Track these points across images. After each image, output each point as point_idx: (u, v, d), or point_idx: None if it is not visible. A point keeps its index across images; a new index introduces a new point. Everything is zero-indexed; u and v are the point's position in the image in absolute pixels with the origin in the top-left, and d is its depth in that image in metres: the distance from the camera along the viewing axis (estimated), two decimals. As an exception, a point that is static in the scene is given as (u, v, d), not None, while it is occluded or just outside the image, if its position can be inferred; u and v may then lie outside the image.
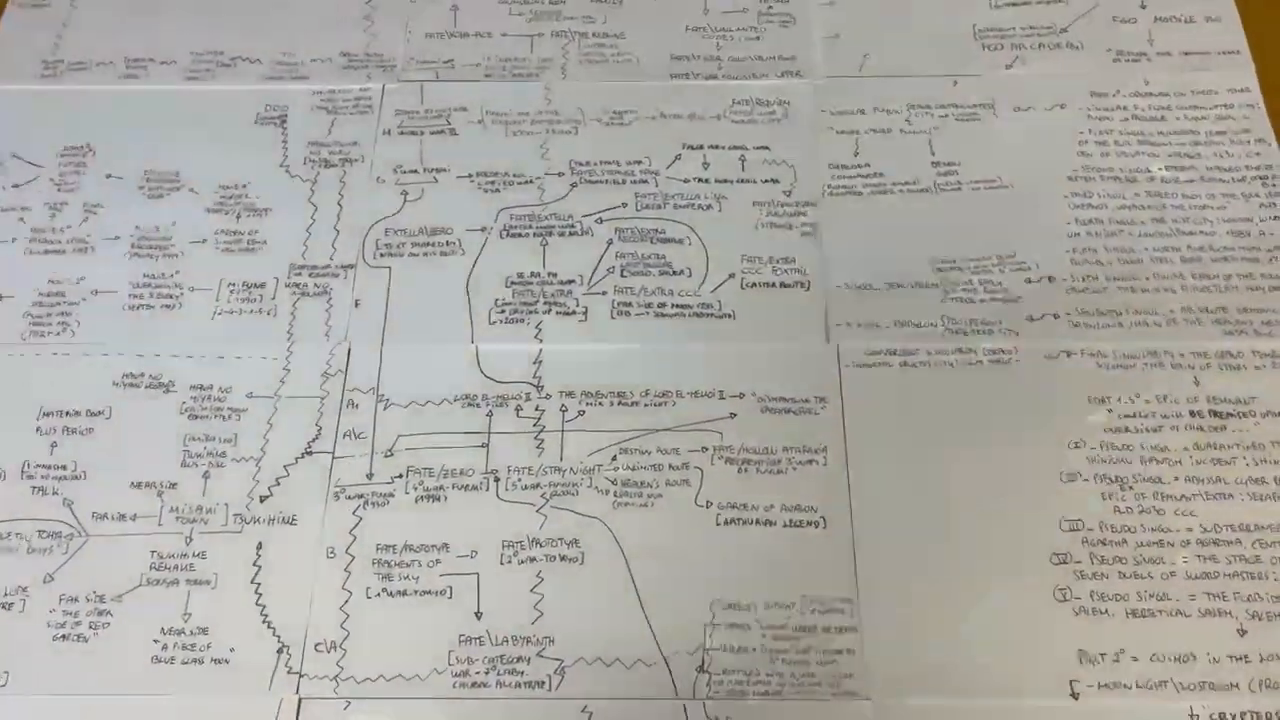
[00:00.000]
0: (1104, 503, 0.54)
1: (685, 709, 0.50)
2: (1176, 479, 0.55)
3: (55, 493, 0.56)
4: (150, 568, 0.54)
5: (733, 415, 0.57)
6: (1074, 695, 0.50)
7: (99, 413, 0.58)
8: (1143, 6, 0.70)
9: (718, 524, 0.54)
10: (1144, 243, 0.61)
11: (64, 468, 0.56)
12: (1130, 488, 0.54)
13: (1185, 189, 0.63)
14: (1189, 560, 0.53)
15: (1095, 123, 0.65)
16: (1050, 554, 0.53)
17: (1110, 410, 0.56)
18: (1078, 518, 0.54)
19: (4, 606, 0.53)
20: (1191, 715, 0.49)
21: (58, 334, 0.60)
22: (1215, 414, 0.56)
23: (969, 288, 0.60)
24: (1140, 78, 0.66)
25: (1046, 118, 0.65)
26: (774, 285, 0.61)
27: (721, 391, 0.58)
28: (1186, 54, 0.68)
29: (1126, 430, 0.56)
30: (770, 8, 0.71)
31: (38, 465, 0.57)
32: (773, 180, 0.64)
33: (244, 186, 0.65)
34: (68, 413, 0.58)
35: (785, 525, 0.54)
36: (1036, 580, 0.52)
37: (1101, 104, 0.66)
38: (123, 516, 0.55)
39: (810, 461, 0.56)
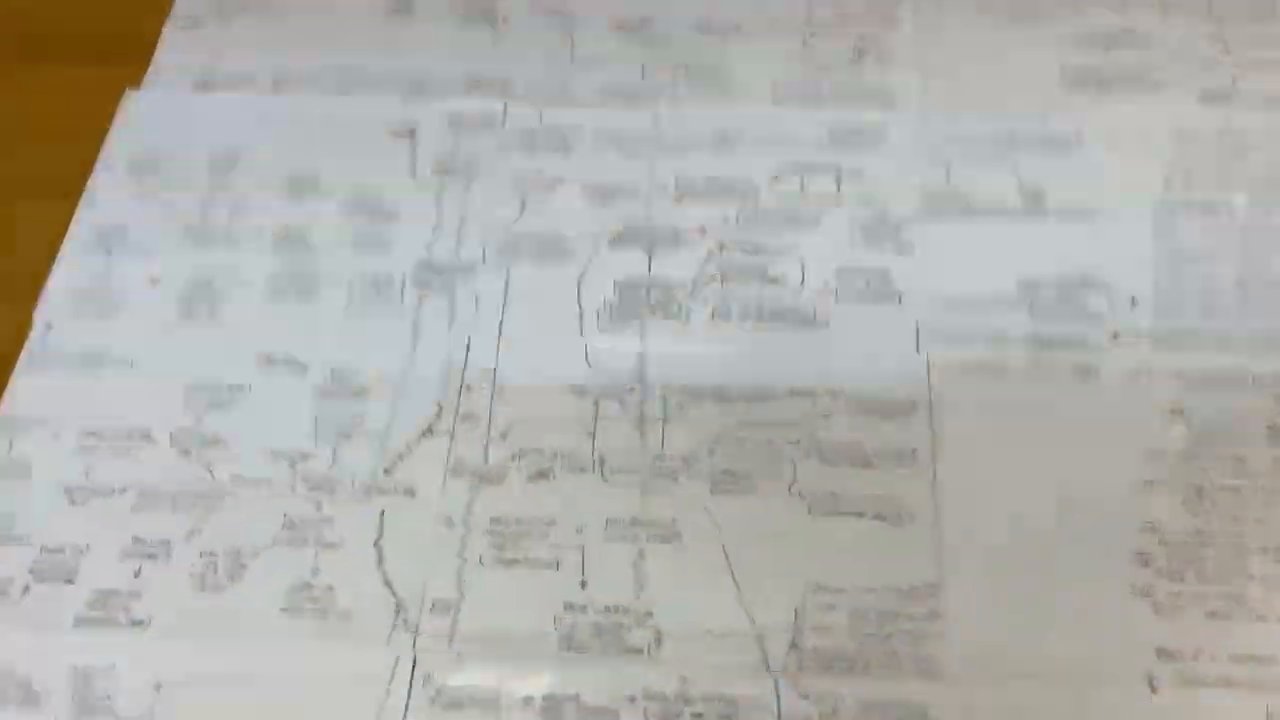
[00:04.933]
0: (1184, 509, 0.56)
1: (776, 682, 0.53)
2: (1256, 491, 0.57)
3: (199, 458, 0.61)
4: (282, 529, 0.59)
5: (826, 416, 0.61)
6: (1153, 689, 0.52)
7: (241, 388, 0.63)
8: (1227, 52, 0.73)
9: (810, 513, 0.58)
10: (1226, 269, 0.64)
11: (207, 436, 0.62)
12: (1209, 497, 0.57)
13: (1268, 220, 0.65)
14: (1266, 566, 0.54)
15: (1180, 158, 0.68)
16: (1131, 554, 0.55)
17: (1190, 424, 0.59)
18: (1157, 521, 0.56)
19: (150, 557, 0.58)
20: (1269, 715, 0.51)
21: (205, 317, 0.66)
22: (1295, 432, 0.58)
23: (1054, 307, 0.63)
24: (1224, 115, 0.70)
25: (1132, 151, 0.69)
26: (868, 298, 0.65)
27: (815, 393, 0.61)
28: (1268, 98, 0.71)
29: (1206, 443, 0.58)
30: (867, 43, 0.75)
31: (184, 431, 0.62)
32: (867, 202, 0.68)
33: (376, 191, 0.70)
34: (213, 387, 0.63)
35: (874, 517, 0.57)
36: (1116, 579, 0.55)
37: (1186, 140, 0.69)
38: (259, 482, 0.60)
39: (899, 461, 0.59)
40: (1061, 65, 0.73)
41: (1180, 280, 0.64)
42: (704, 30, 0.77)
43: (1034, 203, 0.67)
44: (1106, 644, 0.53)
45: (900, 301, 0.64)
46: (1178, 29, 0.74)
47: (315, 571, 0.57)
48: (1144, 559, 0.55)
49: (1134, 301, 0.63)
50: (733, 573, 0.56)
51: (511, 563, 0.57)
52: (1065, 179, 0.68)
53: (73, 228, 0.70)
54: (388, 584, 0.57)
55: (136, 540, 0.58)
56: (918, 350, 0.62)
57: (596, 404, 0.62)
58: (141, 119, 0.75)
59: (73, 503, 0.60)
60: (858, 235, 0.67)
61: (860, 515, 0.57)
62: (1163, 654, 0.53)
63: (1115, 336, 0.62)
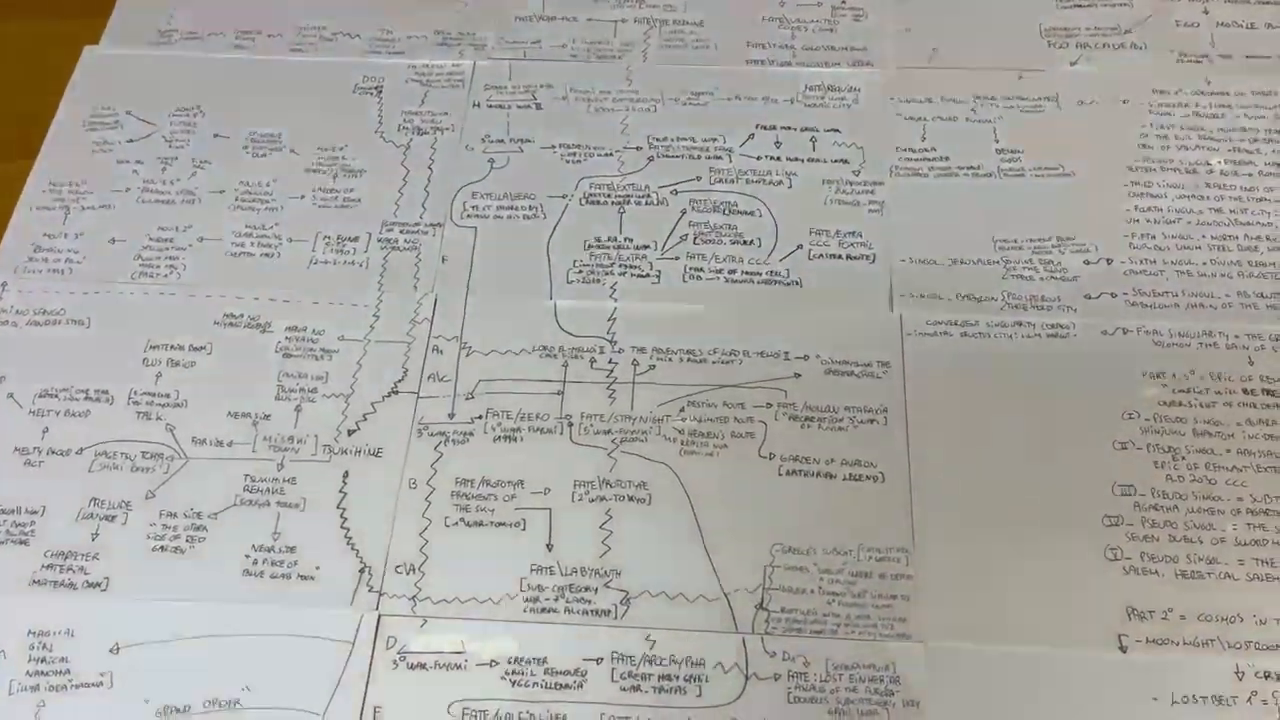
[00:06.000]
0: (1157, 470, 0.56)
1: (744, 642, 0.53)
2: (1228, 451, 0.56)
3: (159, 418, 0.60)
4: (244, 489, 0.57)
5: (797, 375, 0.60)
6: (1122, 649, 0.52)
7: (201, 348, 0.62)
8: (1205, 12, 0.72)
9: (780, 474, 0.57)
10: (1201, 230, 0.63)
11: (167, 396, 0.60)
12: (1183, 458, 0.56)
13: (1244, 181, 0.65)
14: (1238, 528, 0.54)
15: (1157, 117, 0.67)
16: (1102, 515, 0.55)
17: (1164, 385, 0.58)
18: (1130, 483, 0.56)
19: (108, 518, 0.57)
20: (1237, 672, 0.51)
21: (165, 276, 0.64)
22: (1269, 393, 0.58)
23: (1029, 266, 0.63)
24: (1202, 77, 0.69)
25: (1109, 111, 0.68)
26: (841, 257, 0.64)
27: (787, 353, 0.60)
28: (1248, 57, 0.70)
29: (1180, 404, 0.58)
30: (844, 2, 0.74)
31: (143, 393, 0.60)
32: (842, 160, 0.67)
33: (341, 149, 0.69)
34: (172, 346, 0.62)
35: (845, 479, 0.57)
36: (1088, 539, 0.54)
37: (1163, 100, 0.68)
38: (220, 442, 0.59)
39: (871, 421, 0.58)
40: (1040, 23, 0.72)
41: (1155, 241, 0.63)
42: (678, -14, 0.75)
43: (1009, 162, 0.66)
44: (1077, 605, 0.53)
45: (873, 261, 0.63)
46: (1158, -12, 0.73)
47: (277, 534, 0.56)
48: (1115, 520, 0.55)
49: (1109, 261, 0.63)
50: (701, 534, 0.55)
51: (477, 524, 0.56)
52: (1041, 138, 0.67)
53: (29, 185, 0.68)
54: (351, 545, 0.56)
55: (94, 501, 0.57)
56: (891, 309, 0.62)
57: (565, 365, 0.61)
58: (99, 76, 0.73)
59: (28, 464, 0.58)
60: (831, 194, 0.66)
61: (830, 477, 0.57)
62: (1133, 614, 0.52)
63: (1089, 297, 0.61)
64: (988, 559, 0.54)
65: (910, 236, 0.64)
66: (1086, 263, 0.62)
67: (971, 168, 0.66)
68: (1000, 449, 0.57)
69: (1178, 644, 0.52)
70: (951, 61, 0.71)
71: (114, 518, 0.57)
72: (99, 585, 0.55)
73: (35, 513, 0.57)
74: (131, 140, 0.70)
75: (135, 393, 0.60)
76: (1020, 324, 0.61)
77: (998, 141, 0.67)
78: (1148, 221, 0.64)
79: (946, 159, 0.67)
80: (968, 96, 0.69)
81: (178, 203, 0.67)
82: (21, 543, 0.56)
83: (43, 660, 0.53)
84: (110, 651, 0.53)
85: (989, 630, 0.52)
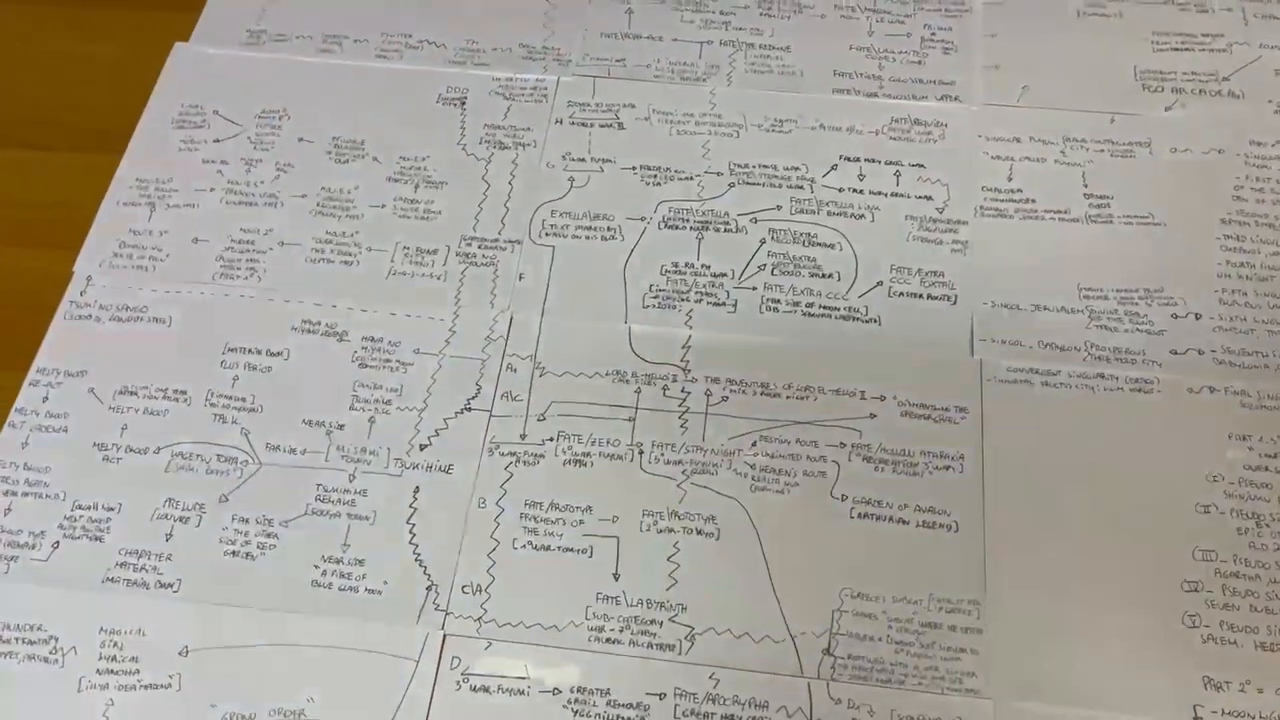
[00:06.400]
0: (1239, 537, 0.55)
1: (809, 687, 0.52)
2: (1315, 522, 0.55)
3: (234, 422, 0.60)
4: (315, 499, 0.58)
5: (873, 416, 0.59)
6: (1196, 719, 0.50)
7: (278, 353, 0.62)
8: (1308, 61, 0.70)
9: (852, 517, 0.56)
10: (1296, 289, 0.62)
11: (243, 400, 0.61)
12: (1267, 525, 0.55)
13: (1342, 241, 0.63)
14: (1323, 601, 0.53)
15: (1253, 169, 0.66)
16: (1181, 581, 0.54)
17: (1251, 448, 0.57)
18: (1211, 548, 0.54)
19: (181, 520, 0.57)
20: (1315, 752, 0.50)
21: (245, 278, 0.65)
22: (1359, 463, 0.56)
23: (1114, 316, 0.61)
24: (1302, 129, 0.67)
25: (1203, 160, 0.66)
26: (921, 296, 0.63)
27: (863, 392, 0.60)
28: (1350, 112, 0.68)
29: (1266, 469, 0.56)
30: (934, 34, 0.73)
31: (220, 395, 0.61)
32: (926, 197, 0.66)
33: (423, 160, 0.69)
34: (250, 350, 0.62)
35: (918, 525, 0.56)
36: (1166, 604, 0.53)
37: (1260, 152, 0.67)
38: (293, 450, 0.59)
39: (947, 467, 0.57)
40: (1135, 65, 0.71)
41: (1246, 298, 0.62)
42: (766, 11, 0.74)
43: (1098, 207, 0.65)
44: (1151, 671, 0.52)
45: (955, 302, 0.63)
46: (1258, 37, 0.71)
47: (346, 545, 0.56)
48: (1195, 586, 0.54)
49: (1197, 316, 0.61)
50: (769, 573, 0.55)
51: (544, 549, 0.56)
52: (1133, 184, 0.66)
53: (116, 180, 0.69)
54: (419, 562, 0.56)
55: (169, 501, 0.58)
56: (971, 353, 0.61)
57: (638, 391, 0.60)
58: (189, 73, 0.73)
59: (106, 460, 0.59)
60: (914, 231, 0.65)
61: (904, 523, 0.56)
62: (1209, 684, 0.51)
63: (1176, 352, 0.60)
64: (1061, 617, 0.53)
65: (993, 279, 0.63)
66: (1174, 316, 0.61)
67: (1059, 211, 0.65)
68: (1078, 504, 0.56)
69: (1255, 718, 0.50)
70: (1042, 101, 0.69)
71: (188, 519, 0.57)
72: (171, 586, 0.56)
73: (112, 510, 0.58)
74: (218, 140, 0.70)
75: (212, 394, 0.61)
76: (1103, 376, 0.60)
77: (1086, 186, 0.66)
78: (1239, 277, 0.62)
79: (1033, 201, 0.66)
80: (1057, 138, 0.68)
81: (260, 205, 0.68)
82: (97, 539, 0.57)
83: (114, 659, 0.54)
84: (179, 654, 0.54)
85: (1059, 691, 0.51)
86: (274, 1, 0.77)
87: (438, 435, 0.59)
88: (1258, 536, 0.55)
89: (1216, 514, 0.55)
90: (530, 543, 0.56)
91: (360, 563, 0.56)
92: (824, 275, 0.64)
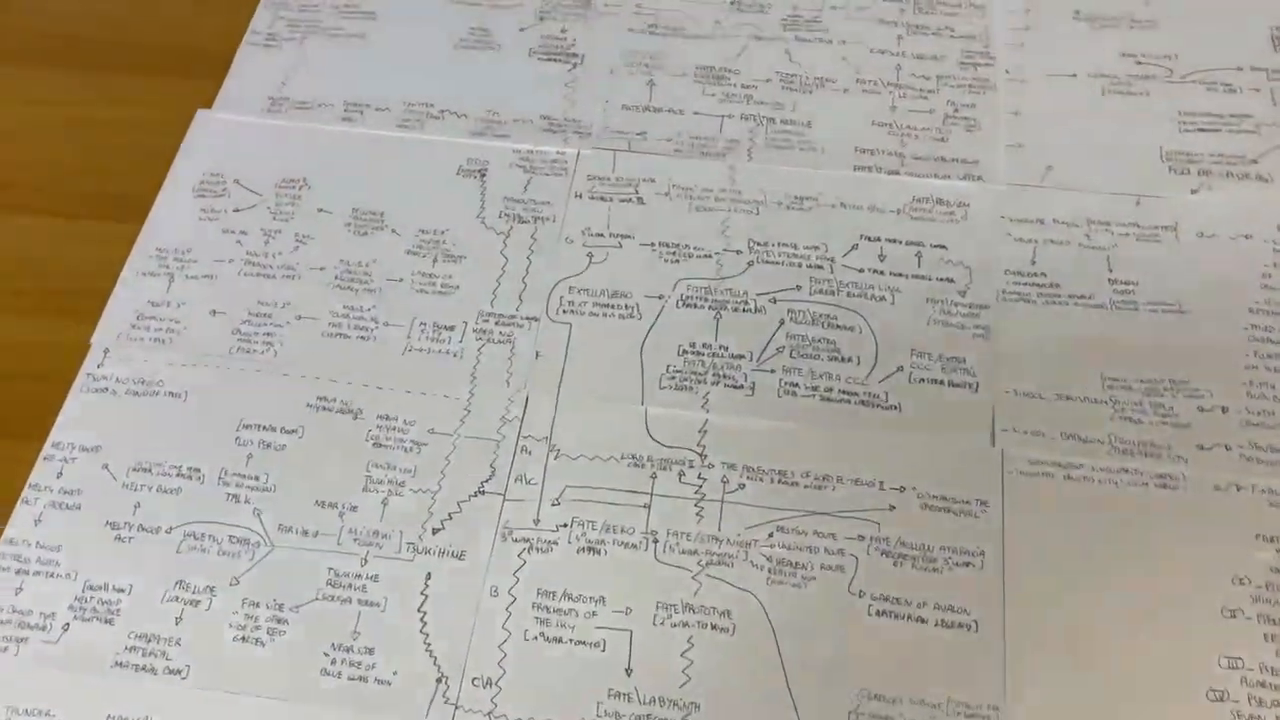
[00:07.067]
0: (1267, 644, 0.53)
1: (824, 793, 0.51)
2: (1346, 630, 0.54)
3: (247, 501, 0.60)
4: (327, 584, 0.57)
5: (892, 508, 0.58)
6: (1222, 837, 0.49)
7: (293, 431, 0.62)
8: (1337, 144, 0.69)
9: (869, 614, 0.55)
10: (1326, 383, 0.61)
11: (257, 479, 0.61)
12: (1296, 632, 0.54)
13: (1373, 333, 0.62)
14: (1354, 715, 0.51)
15: (1282, 257, 0.65)
16: (1207, 689, 0.52)
17: (1279, 550, 0.56)
18: (1238, 655, 0.53)
19: (192, 603, 0.57)
20: None
21: (261, 352, 0.65)
22: (1391, 568, 0.55)
23: (1139, 409, 0.60)
24: (1332, 216, 0.66)
25: (1231, 246, 0.65)
26: (943, 383, 0.62)
27: (882, 483, 0.59)
28: (1381, 196, 0.67)
29: (1295, 573, 0.55)
30: (956, 111, 0.73)
31: (234, 474, 0.61)
32: (948, 279, 0.66)
33: (442, 233, 0.69)
34: (265, 427, 0.62)
35: (937, 624, 0.55)
36: (1191, 714, 0.52)
37: (1289, 238, 0.66)
38: (305, 532, 0.59)
39: (967, 564, 0.56)
40: (1161, 146, 0.70)
41: (1276, 391, 0.61)
42: (788, 85, 0.74)
43: (1123, 294, 0.64)
44: (1177, 785, 0.50)
45: (976, 390, 0.62)
46: (1287, 116, 0.70)
47: (356, 633, 0.56)
48: (1220, 695, 0.52)
49: (1224, 410, 0.60)
50: (785, 671, 0.54)
51: (556, 640, 0.55)
52: (1159, 270, 0.65)
53: (136, 249, 0.69)
54: (430, 652, 0.55)
55: (179, 584, 0.57)
56: (993, 443, 0.60)
57: (654, 476, 0.60)
58: (210, 140, 0.74)
59: (119, 539, 0.59)
60: (935, 314, 0.64)
61: (922, 621, 0.55)
62: (1235, 800, 0.50)
63: (1202, 447, 0.59)
64: (1083, 725, 0.52)
65: (1016, 366, 0.62)
66: (1200, 409, 0.60)
67: (1083, 297, 0.64)
68: (1101, 605, 0.55)
69: (1283, 838, 0.49)
70: (1066, 182, 0.69)
71: (198, 602, 0.57)
72: (179, 673, 0.55)
73: (123, 591, 0.57)
74: (238, 210, 0.71)
75: (226, 473, 0.61)
76: (1127, 470, 0.58)
77: (1111, 271, 0.65)
78: (1268, 370, 0.61)
79: (1057, 286, 0.65)
80: (1081, 220, 0.67)
81: (278, 277, 0.68)
82: (108, 622, 0.57)
83: (121, 747, 0.53)
84: (187, 744, 0.53)
85: (1081, 804, 0.50)
86: (296, 69, 0.77)
87: (450, 519, 0.59)
88: (1286, 644, 0.53)
89: (1243, 619, 0.54)
90: (542, 634, 0.56)
91: (370, 651, 0.56)
92: (843, 359, 0.63)
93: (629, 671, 0.54)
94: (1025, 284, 0.65)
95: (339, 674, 0.55)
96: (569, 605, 0.56)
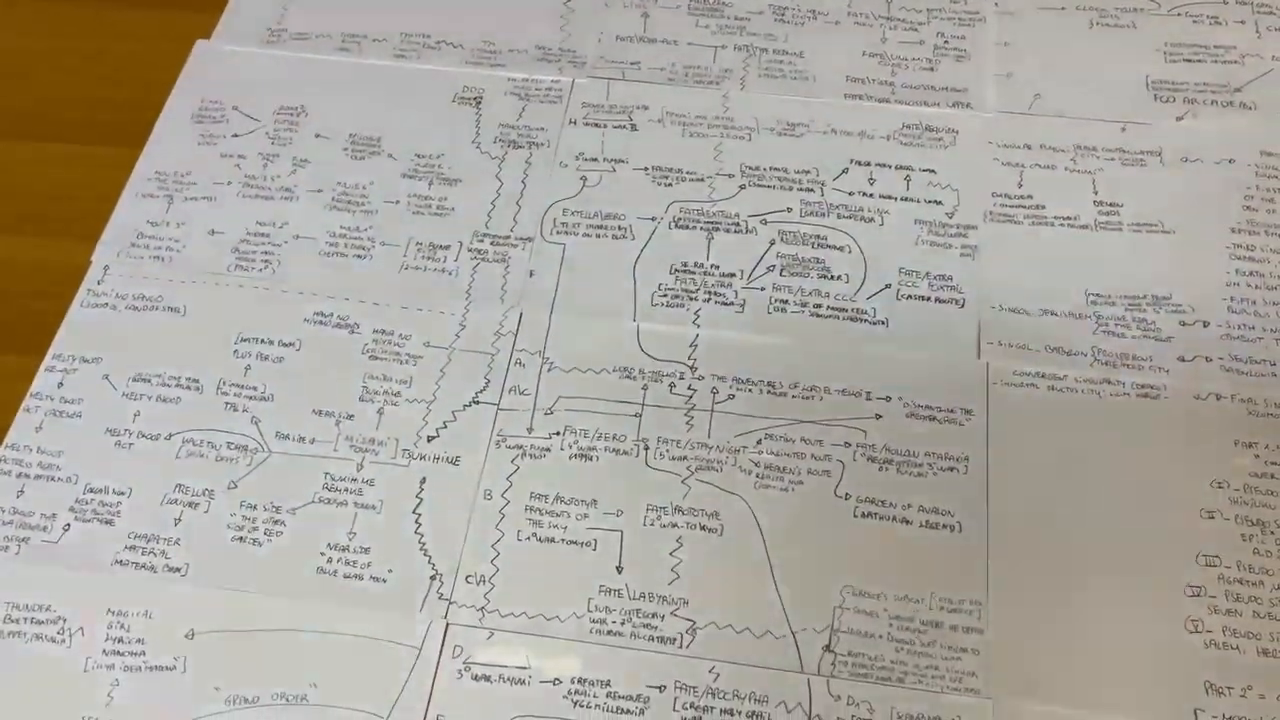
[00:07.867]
0: (1244, 543, 0.55)
1: (809, 683, 0.52)
2: (1321, 529, 0.55)
3: (245, 410, 0.61)
4: (323, 487, 0.58)
5: (878, 416, 0.59)
6: (1197, 724, 0.50)
7: (290, 344, 0.63)
8: (1321, 74, 0.71)
9: (855, 515, 0.57)
10: (1305, 299, 0.62)
11: (254, 389, 0.62)
12: (1271, 532, 0.55)
13: (1352, 251, 0.63)
14: (1327, 609, 0.53)
15: (1264, 180, 0.66)
16: (1185, 585, 0.54)
17: (1257, 455, 0.57)
18: (1215, 554, 0.54)
19: (190, 505, 0.58)
20: (1317, 759, 0.49)
21: (260, 270, 0.66)
22: (1366, 472, 0.56)
23: (1121, 323, 0.61)
24: (1314, 141, 0.67)
25: (1214, 170, 0.67)
26: (929, 300, 0.63)
27: (869, 393, 0.60)
28: (1362, 124, 0.68)
29: (1272, 476, 0.56)
30: (946, 42, 0.74)
31: (231, 384, 0.62)
32: (936, 202, 0.67)
33: (438, 158, 0.70)
34: (262, 340, 0.63)
35: (921, 525, 0.56)
36: (1168, 608, 0.53)
37: (1271, 163, 0.67)
38: (302, 439, 0.60)
39: (951, 469, 0.58)
40: (1147, 76, 0.71)
41: (1255, 306, 0.62)
42: (780, 16, 0.75)
43: (1107, 215, 0.65)
44: (1153, 675, 0.52)
45: (962, 305, 0.63)
46: (1270, 49, 0.71)
47: (352, 534, 0.57)
48: (1198, 591, 0.53)
49: (1205, 324, 0.61)
50: (772, 569, 0.55)
51: (549, 540, 0.56)
52: (1143, 192, 0.66)
53: (136, 172, 0.70)
54: (424, 551, 0.56)
55: (179, 487, 0.58)
56: (978, 356, 0.61)
57: (645, 388, 0.61)
58: (209, 70, 0.75)
59: (118, 445, 0.60)
60: (923, 235, 0.66)
61: (906, 523, 0.56)
62: (1211, 689, 0.51)
63: (1183, 359, 0.60)
64: (1063, 619, 0.53)
65: (1001, 284, 0.63)
66: (1182, 324, 0.61)
67: (1068, 218, 0.65)
68: (1082, 508, 0.56)
69: (1256, 724, 0.50)
70: (1053, 109, 0.70)
71: (196, 505, 0.58)
72: (179, 570, 0.56)
73: (122, 494, 0.58)
74: (236, 135, 0.71)
75: (224, 383, 0.62)
76: (1109, 382, 0.60)
77: (1096, 193, 0.66)
78: (1248, 286, 0.62)
79: (1042, 207, 0.66)
80: (1068, 146, 0.68)
81: (276, 199, 0.69)
82: (107, 522, 0.58)
83: (120, 640, 0.54)
84: (185, 637, 0.54)
85: (1059, 693, 0.51)
86: (294, 1, 0.78)
87: (445, 427, 0.60)
88: (1262, 543, 0.54)
89: (1221, 520, 0.55)
90: (535, 534, 0.57)
91: (366, 551, 0.57)
92: (832, 277, 0.64)
93: (619, 569, 0.56)
94: (1012, 205, 0.66)
95: (335, 572, 0.56)
96: (561, 508, 0.57)
